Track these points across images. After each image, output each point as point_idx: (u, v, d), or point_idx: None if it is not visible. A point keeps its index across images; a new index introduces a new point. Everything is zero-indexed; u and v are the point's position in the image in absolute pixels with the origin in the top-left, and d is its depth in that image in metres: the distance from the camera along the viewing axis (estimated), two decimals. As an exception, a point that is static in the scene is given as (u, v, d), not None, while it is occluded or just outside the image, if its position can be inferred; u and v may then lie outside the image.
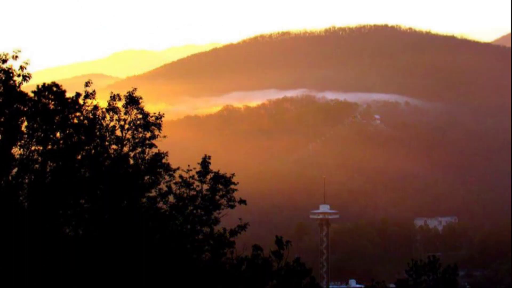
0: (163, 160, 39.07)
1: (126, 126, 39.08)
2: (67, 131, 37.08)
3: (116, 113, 39.12)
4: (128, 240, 36.30)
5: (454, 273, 61.11)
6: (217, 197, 39.16)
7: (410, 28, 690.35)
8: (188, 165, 39.87)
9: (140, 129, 39.05)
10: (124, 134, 38.96)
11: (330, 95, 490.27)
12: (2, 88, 35.66)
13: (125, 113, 39.15)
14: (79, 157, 37.45)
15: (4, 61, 35.86)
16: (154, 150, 39.16)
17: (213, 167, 39.84)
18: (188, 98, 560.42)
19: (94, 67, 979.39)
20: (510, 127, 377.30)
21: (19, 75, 36.00)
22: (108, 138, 38.72)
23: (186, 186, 39.15)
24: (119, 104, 39.26)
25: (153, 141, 39.18)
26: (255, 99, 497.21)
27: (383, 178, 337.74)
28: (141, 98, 39.44)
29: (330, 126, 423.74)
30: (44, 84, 37.16)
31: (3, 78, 35.69)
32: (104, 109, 39.02)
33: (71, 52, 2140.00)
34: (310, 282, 39.72)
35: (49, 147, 36.55)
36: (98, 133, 38.40)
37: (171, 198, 39.09)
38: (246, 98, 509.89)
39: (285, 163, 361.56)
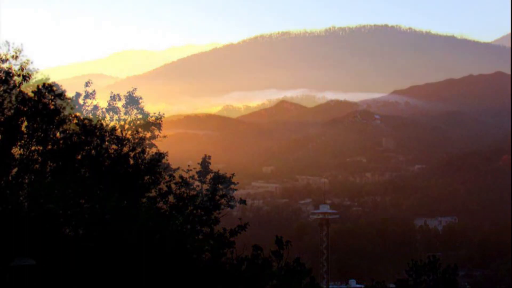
0: (163, 160, 39.02)
1: (126, 126, 39.03)
2: (67, 131, 37.03)
3: (116, 113, 39.08)
4: (128, 241, 36.22)
5: (454, 273, 60.97)
6: (217, 197, 39.11)
7: (410, 28, 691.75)
8: (188, 165, 39.83)
9: (140, 129, 39.00)
10: (124, 134, 38.91)
11: (330, 95, 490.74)
12: (2, 88, 35.60)
13: (125, 113, 39.11)
14: (79, 157, 37.40)
15: (4, 61, 35.80)
16: (154, 150, 39.11)
17: (213, 167, 39.79)
18: (188, 98, 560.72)
19: (94, 67, 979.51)
20: (510, 127, 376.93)
21: (19, 75, 35.94)
22: (108, 138, 38.66)
23: (186, 186, 39.09)
24: (119, 104, 39.23)
25: (153, 141, 39.13)
26: (255, 99, 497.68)
27: (383, 178, 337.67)
28: (141, 98, 39.41)
29: (330, 126, 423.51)
30: (44, 84, 37.08)
31: (3, 78, 35.62)
32: (104, 109, 38.98)
33: (71, 52, 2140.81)
34: (310, 282, 39.65)
35: (49, 147, 36.48)
36: (98, 133, 38.35)
37: (171, 198, 39.04)
38: (246, 98, 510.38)
39: (285, 163, 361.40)
